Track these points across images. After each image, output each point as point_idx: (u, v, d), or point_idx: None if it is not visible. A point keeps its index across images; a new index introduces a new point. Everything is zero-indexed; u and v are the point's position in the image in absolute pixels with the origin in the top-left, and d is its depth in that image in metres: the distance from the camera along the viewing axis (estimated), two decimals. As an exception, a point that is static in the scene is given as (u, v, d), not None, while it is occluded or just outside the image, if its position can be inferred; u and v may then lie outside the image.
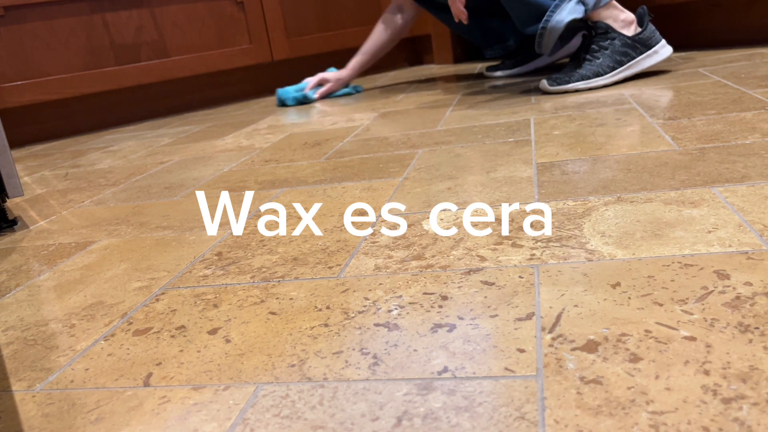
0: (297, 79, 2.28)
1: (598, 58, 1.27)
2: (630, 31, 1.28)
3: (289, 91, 1.83)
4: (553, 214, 0.65)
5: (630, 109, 1.08)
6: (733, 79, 1.21)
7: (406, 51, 2.49)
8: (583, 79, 1.27)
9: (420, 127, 1.22)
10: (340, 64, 2.36)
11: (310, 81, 1.83)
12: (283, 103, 1.83)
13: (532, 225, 0.63)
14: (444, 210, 0.72)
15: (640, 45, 1.28)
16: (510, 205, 0.70)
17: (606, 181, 0.73)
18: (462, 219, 0.68)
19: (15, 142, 1.88)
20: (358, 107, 1.60)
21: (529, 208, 0.69)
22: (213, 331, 0.51)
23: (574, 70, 1.30)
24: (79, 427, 0.41)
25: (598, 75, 1.28)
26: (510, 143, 0.98)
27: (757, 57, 1.42)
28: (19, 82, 1.79)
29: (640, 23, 1.29)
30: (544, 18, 1.26)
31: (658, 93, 1.18)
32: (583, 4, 1.26)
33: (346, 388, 0.41)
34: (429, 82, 1.89)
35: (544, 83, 1.32)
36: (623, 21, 1.28)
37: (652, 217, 0.61)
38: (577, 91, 1.29)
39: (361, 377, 0.42)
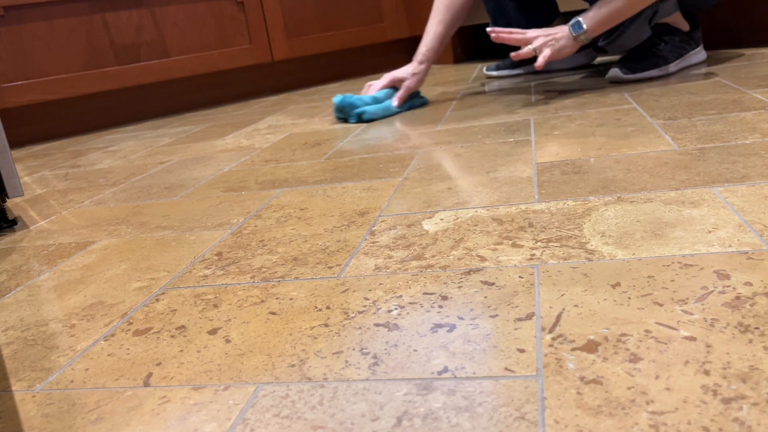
0: (296, 80, 2.28)
1: (662, 50, 1.37)
2: (683, 27, 1.41)
3: (365, 100, 1.37)
4: (553, 214, 0.65)
5: (630, 109, 1.08)
6: (733, 79, 1.21)
7: (407, 51, 2.49)
8: (655, 67, 1.36)
9: (420, 127, 1.22)
10: (340, 64, 2.35)
11: (376, 85, 1.42)
12: (356, 117, 1.35)
13: (532, 225, 0.63)
14: (444, 210, 0.72)
15: (692, 41, 1.41)
16: (510, 205, 0.70)
17: (606, 181, 0.73)
18: (462, 219, 0.68)
19: (15, 142, 1.88)
20: (358, 107, 1.60)
21: (529, 208, 0.69)
22: (213, 331, 0.51)
23: (640, 60, 1.36)
24: (79, 427, 0.41)
25: (667, 62, 1.37)
26: (510, 143, 0.98)
27: (757, 57, 1.42)
28: (19, 82, 1.79)
29: (691, 24, 1.44)
30: (617, 32, 1.35)
31: (658, 93, 1.18)
32: (652, 14, 1.35)
33: (346, 388, 0.41)
34: (429, 82, 1.89)
35: (617, 72, 1.35)
36: (677, 19, 1.41)
37: (652, 217, 0.61)
38: (651, 78, 1.36)
39: (361, 377, 0.42)
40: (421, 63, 1.42)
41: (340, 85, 2.15)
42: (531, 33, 1.28)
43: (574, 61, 1.69)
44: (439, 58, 2.31)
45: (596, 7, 1.24)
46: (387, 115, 1.38)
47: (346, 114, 1.37)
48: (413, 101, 1.44)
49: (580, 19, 1.25)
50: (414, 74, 1.41)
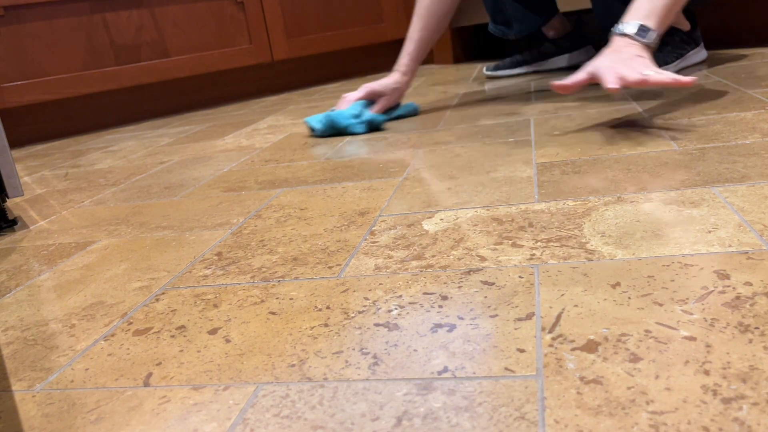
0: (296, 80, 2.28)
1: (662, 51, 1.38)
2: (683, 27, 1.41)
3: (346, 116, 1.23)
4: (553, 214, 0.65)
5: (630, 109, 1.08)
6: (733, 79, 1.21)
7: (406, 51, 2.48)
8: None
9: (420, 127, 1.22)
10: (340, 64, 2.35)
11: (351, 96, 1.30)
12: (340, 131, 1.24)
13: (532, 225, 0.63)
14: (444, 210, 0.72)
15: (692, 41, 1.42)
16: (510, 205, 0.70)
17: (606, 181, 0.73)
18: (462, 219, 0.68)
19: (15, 142, 1.88)
20: (358, 107, 1.59)
21: (529, 208, 0.69)
22: (213, 331, 0.51)
23: None
24: (79, 427, 0.41)
25: (666, 63, 1.38)
26: (510, 143, 0.98)
27: (757, 57, 1.42)
28: (19, 82, 1.79)
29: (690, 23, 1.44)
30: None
31: (658, 93, 1.18)
32: None
33: (346, 388, 0.41)
34: (429, 82, 1.89)
35: None
36: (678, 19, 1.41)
37: (652, 217, 0.61)
38: None
39: (361, 377, 0.42)
40: (404, 74, 1.32)
41: (340, 85, 2.15)
42: (590, 68, 0.96)
43: (574, 59, 1.69)
44: (439, 57, 2.31)
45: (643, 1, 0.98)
46: (378, 126, 1.26)
47: (342, 128, 1.24)
48: (401, 110, 1.34)
49: (640, 22, 0.95)
50: (395, 89, 1.30)
